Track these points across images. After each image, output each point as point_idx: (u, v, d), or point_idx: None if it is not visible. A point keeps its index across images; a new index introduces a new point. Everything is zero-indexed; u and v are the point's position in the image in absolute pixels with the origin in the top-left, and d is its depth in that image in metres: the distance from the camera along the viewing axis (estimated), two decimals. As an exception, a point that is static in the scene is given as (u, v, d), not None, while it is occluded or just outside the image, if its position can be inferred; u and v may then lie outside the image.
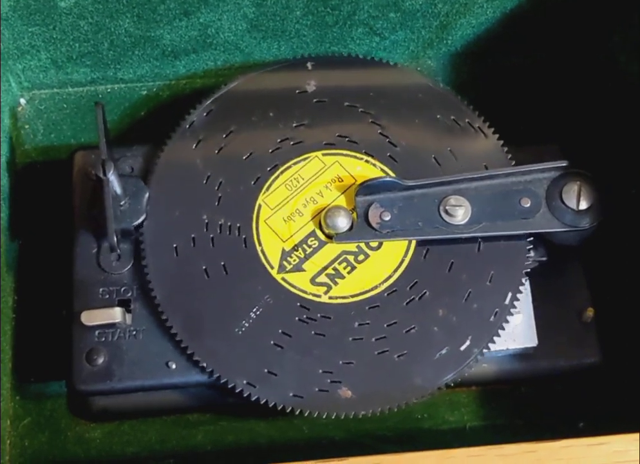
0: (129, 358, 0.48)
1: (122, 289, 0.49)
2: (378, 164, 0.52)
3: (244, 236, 0.49)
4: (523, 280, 0.49)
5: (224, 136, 0.51)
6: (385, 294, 0.49)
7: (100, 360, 0.48)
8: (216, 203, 0.50)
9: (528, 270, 0.50)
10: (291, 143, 0.52)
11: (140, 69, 0.59)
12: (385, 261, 0.49)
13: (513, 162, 0.52)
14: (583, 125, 0.59)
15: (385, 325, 0.48)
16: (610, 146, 0.57)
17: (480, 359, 0.48)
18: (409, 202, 0.50)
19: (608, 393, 0.53)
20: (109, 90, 0.60)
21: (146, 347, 0.48)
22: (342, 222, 0.49)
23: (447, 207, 0.49)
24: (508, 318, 0.48)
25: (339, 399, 0.47)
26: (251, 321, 0.48)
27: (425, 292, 0.49)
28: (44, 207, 0.56)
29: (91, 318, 0.48)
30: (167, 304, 0.48)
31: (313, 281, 0.49)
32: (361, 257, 0.49)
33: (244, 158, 0.51)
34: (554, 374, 0.53)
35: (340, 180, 0.51)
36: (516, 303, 0.49)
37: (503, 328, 0.48)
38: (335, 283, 0.49)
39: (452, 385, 0.48)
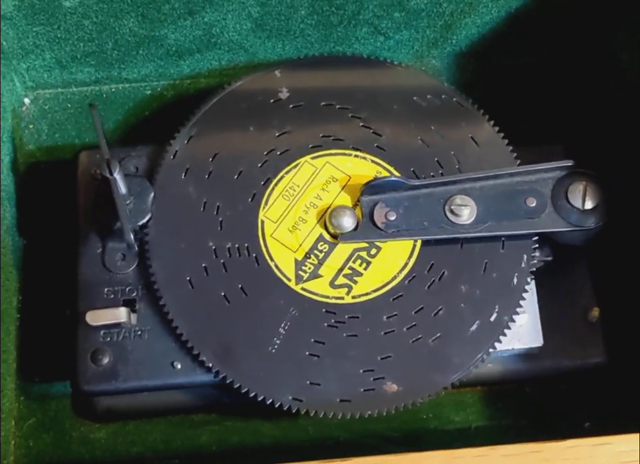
0: (134, 358, 0.48)
1: (127, 289, 0.49)
2: (368, 156, 0.52)
3: (254, 255, 0.49)
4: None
5: (210, 160, 0.51)
6: (406, 282, 0.49)
7: (105, 360, 0.48)
8: (219, 228, 0.49)
9: (534, 269, 0.50)
10: (278, 153, 0.51)
11: (144, 69, 0.59)
12: (398, 250, 0.50)
13: (518, 162, 0.51)
14: (587, 125, 0.59)
15: (413, 313, 0.48)
16: (614, 146, 0.57)
17: (485, 359, 0.48)
18: (414, 202, 0.50)
19: (613, 393, 0.53)
20: (113, 90, 0.60)
21: (151, 347, 0.48)
22: (348, 222, 0.49)
23: (452, 207, 0.49)
24: (514, 316, 0.48)
25: (386, 395, 0.47)
26: (281, 337, 0.47)
27: (444, 272, 0.49)
28: (49, 207, 0.56)
29: (95, 318, 0.48)
30: (195, 338, 0.47)
31: (332, 284, 0.49)
32: (373, 251, 0.49)
33: (235, 178, 0.50)
34: (559, 374, 0.53)
35: (334, 179, 0.51)
36: (521, 302, 0.48)
37: (526, 291, 0.49)
38: (355, 282, 0.49)
39: (457, 384, 0.48)
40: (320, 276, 0.49)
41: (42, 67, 0.58)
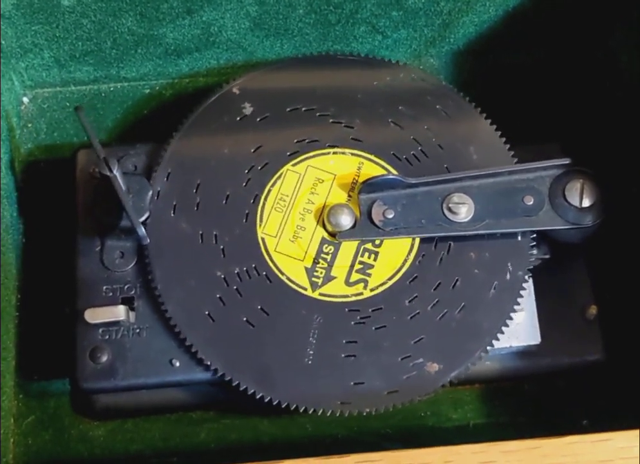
0: (133, 356, 0.48)
1: (126, 287, 0.49)
2: (346, 150, 0.52)
3: (264, 273, 0.49)
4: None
5: (194, 191, 0.50)
6: (417, 263, 0.49)
7: (104, 358, 0.48)
8: (222, 256, 0.49)
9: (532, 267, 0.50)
10: (259, 168, 0.51)
11: (143, 68, 0.59)
12: None
13: (515, 160, 0.52)
14: (584, 123, 0.59)
15: (432, 290, 0.49)
16: (611, 143, 0.57)
17: (483, 357, 0.48)
18: (412, 200, 0.50)
19: (611, 390, 0.53)
20: (112, 89, 0.60)
21: (150, 344, 0.48)
22: (346, 220, 0.49)
23: (450, 205, 0.49)
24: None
25: (430, 376, 0.47)
26: (313, 346, 0.48)
27: (450, 244, 0.50)
28: (47, 205, 0.56)
29: (94, 315, 0.48)
30: (232, 371, 0.47)
31: (348, 283, 0.49)
32: (378, 241, 0.50)
33: (224, 202, 0.50)
34: (557, 371, 0.53)
35: (320, 181, 0.51)
36: (519, 299, 0.49)
37: (535, 247, 0.50)
38: (369, 275, 0.49)
39: (455, 382, 0.48)
40: (334, 277, 0.49)
41: (41, 66, 0.58)
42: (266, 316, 0.48)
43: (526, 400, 0.54)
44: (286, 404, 0.47)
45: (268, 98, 0.53)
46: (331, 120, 0.52)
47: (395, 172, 0.51)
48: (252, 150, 0.51)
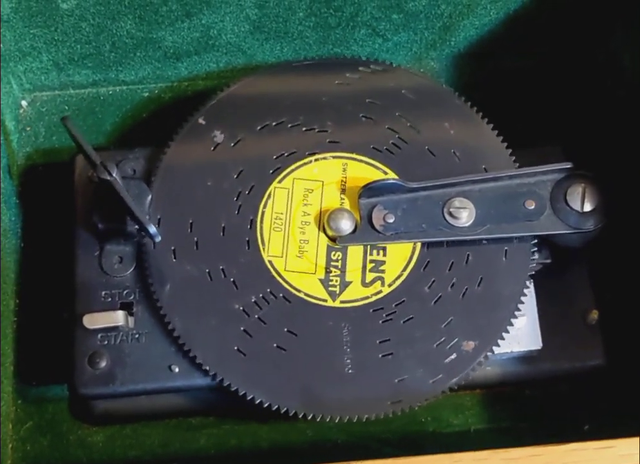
0: (132, 361, 0.48)
1: (125, 292, 0.49)
2: (327, 155, 0.51)
3: (281, 295, 0.48)
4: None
5: (189, 231, 0.49)
6: (426, 249, 0.49)
7: (103, 363, 0.48)
8: (235, 289, 0.48)
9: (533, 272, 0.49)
10: (247, 193, 0.50)
11: (142, 71, 0.59)
12: None
13: (517, 164, 0.51)
14: (586, 126, 0.59)
15: (447, 271, 0.49)
16: (613, 147, 0.57)
17: (484, 362, 0.48)
18: (413, 204, 0.50)
19: (612, 395, 0.53)
20: (110, 92, 0.60)
21: (149, 350, 0.48)
22: (346, 225, 0.49)
23: (451, 210, 0.49)
24: (512, 320, 0.48)
25: (469, 354, 0.47)
26: (350, 354, 0.47)
27: None
28: (46, 209, 0.56)
29: (93, 321, 0.47)
30: (280, 400, 0.47)
31: (365, 284, 0.49)
32: None
33: (221, 235, 0.49)
34: (559, 377, 0.53)
35: (310, 191, 0.51)
36: (520, 306, 0.48)
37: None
38: (383, 271, 0.49)
39: (456, 388, 0.48)
40: (350, 282, 0.49)
41: (40, 70, 0.58)
42: (295, 337, 0.48)
43: (527, 405, 0.53)
44: (338, 418, 0.46)
45: (235, 122, 0.52)
46: (304, 129, 0.52)
47: (378, 165, 0.51)
48: (235, 176, 0.51)
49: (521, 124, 0.57)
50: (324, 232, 0.50)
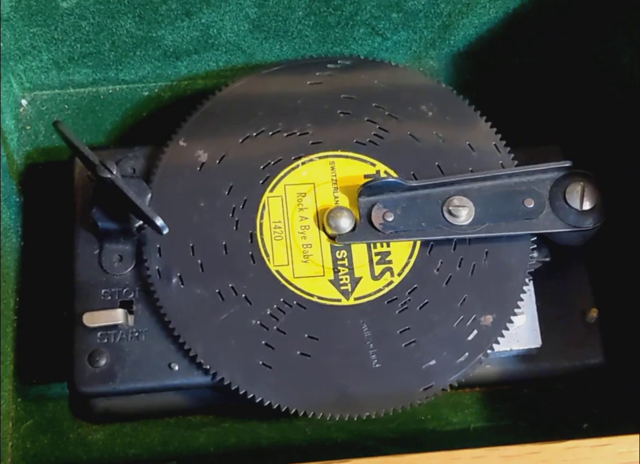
0: (131, 360, 0.48)
1: (124, 290, 0.49)
2: (312, 157, 0.51)
3: (295, 303, 0.48)
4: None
5: (192, 254, 0.49)
6: None
7: (102, 362, 0.48)
8: (249, 304, 0.48)
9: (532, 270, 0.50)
10: (241, 207, 0.50)
11: (142, 70, 0.59)
12: None
13: (516, 163, 0.51)
14: (585, 125, 0.59)
15: (452, 251, 0.49)
16: (612, 146, 0.57)
17: (483, 361, 0.48)
18: (412, 203, 0.50)
19: (611, 394, 0.53)
20: (110, 91, 0.60)
21: (148, 348, 0.48)
22: (345, 223, 0.49)
23: (450, 208, 0.49)
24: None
25: (489, 328, 0.48)
26: (374, 349, 0.47)
27: None
28: (46, 208, 0.56)
29: (93, 319, 0.48)
30: (313, 406, 0.47)
31: (375, 277, 0.49)
32: None
33: (224, 253, 0.49)
34: (558, 375, 0.53)
35: (303, 195, 0.51)
36: (519, 303, 0.48)
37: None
38: (390, 262, 0.49)
39: (456, 385, 0.48)
40: (360, 278, 0.49)
41: (39, 69, 0.58)
42: (317, 341, 0.48)
43: (526, 404, 0.53)
44: (375, 414, 0.46)
45: (216, 138, 0.52)
46: (285, 135, 0.52)
47: (365, 158, 0.51)
48: (226, 193, 0.50)
49: (520, 123, 0.57)
50: (324, 230, 0.50)
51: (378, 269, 0.49)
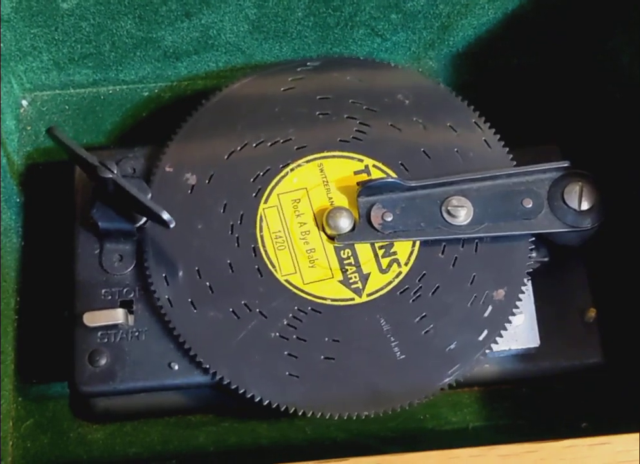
0: (132, 359, 0.48)
1: (124, 290, 0.49)
2: (300, 161, 0.51)
3: (309, 308, 0.48)
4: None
5: (199, 277, 0.49)
6: None
7: (103, 361, 0.48)
8: (265, 318, 0.48)
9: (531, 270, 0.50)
10: (239, 223, 0.50)
11: (142, 71, 0.59)
12: None
13: (514, 163, 0.52)
14: (584, 126, 0.59)
15: (456, 235, 0.50)
16: (610, 146, 0.57)
17: (482, 360, 0.48)
18: (411, 203, 0.50)
19: (610, 393, 0.53)
20: (110, 91, 0.60)
21: (148, 348, 0.48)
22: (345, 223, 0.49)
23: (449, 208, 0.49)
24: (510, 318, 0.48)
25: (503, 302, 0.48)
26: (396, 342, 0.48)
27: None
28: (46, 208, 0.56)
29: (93, 319, 0.48)
30: (348, 409, 0.47)
31: (383, 271, 0.49)
32: None
33: (230, 272, 0.49)
34: (556, 374, 0.53)
35: (297, 201, 0.51)
36: (518, 303, 0.49)
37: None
38: (395, 253, 0.49)
39: (454, 385, 0.48)
40: (369, 273, 0.49)
41: (40, 69, 0.58)
42: (339, 344, 0.48)
43: (525, 403, 0.54)
44: (408, 404, 0.47)
45: (202, 158, 0.51)
46: (269, 144, 0.52)
47: (351, 155, 0.51)
48: (222, 211, 0.50)
49: (519, 123, 0.57)
50: (324, 231, 0.50)
51: (385, 262, 0.49)
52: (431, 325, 0.48)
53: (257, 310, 0.48)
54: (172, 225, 0.46)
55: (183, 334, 0.48)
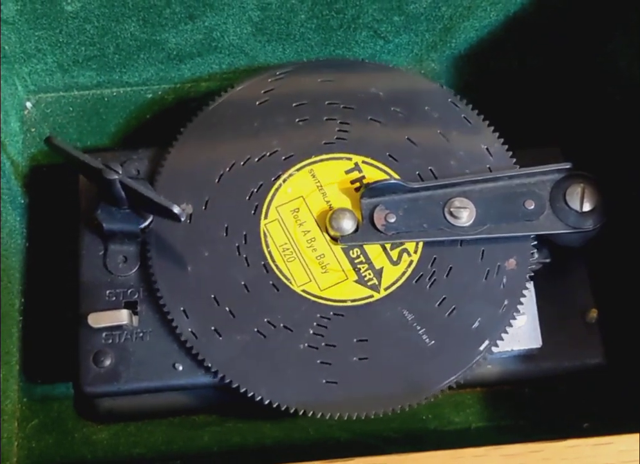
0: (136, 360, 0.48)
1: (129, 291, 0.49)
2: (291, 171, 0.51)
3: (332, 313, 0.48)
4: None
5: (217, 304, 0.48)
6: None
7: (107, 362, 0.48)
8: (290, 332, 0.48)
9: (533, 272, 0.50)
10: (244, 243, 0.50)
11: (146, 73, 0.59)
12: None
13: (517, 165, 0.52)
14: (585, 127, 0.59)
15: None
16: (612, 148, 0.57)
17: (484, 361, 0.48)
18: (414, 204, 0.50)
19: (611, 394, 0.53)
20: (114, 93, 0.60)
21: (153, 348, 0.48)
22: (348, 224, 0.49)
23: (451, 209, 0.50)
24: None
25: (516, 271, 0.49)
26: (422, 329, 0.48)
27: None
28: (51, 209, 0.56)
29: (97, 320, 0.48)
30: (395, 402, 0.47)
31: (394, 262, 0.49)
32: None
33: (246, 292, 0.49)
34: (558, 375, 0.53)
35: (297, 210, 0.51)
36: (522, 299, 0.49)
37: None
38: (402, 243, 0.50)
39: (455, 386, 0.48)
40: (382, 268, 0.49)
41: (44, 71, 0.58)
42: (369, 342, 0.48)
43: (527, 403, 0.54)
44: (448, 388, 0.47)
45: (193, 186, 0.51)
46: (256, 160, 0.51)
47: (339, 156, 0.52)
48: (224, 234, 0.50)
49: (521, 125, 0.57)
50: (327, 232, 0.50)
51: (394, 254, 0.49)
52: (453, 306, 0.48)
53: (282, 325, 0.48)
54: (183, 219, 0.46)
55: (214, 364, 0.47)
